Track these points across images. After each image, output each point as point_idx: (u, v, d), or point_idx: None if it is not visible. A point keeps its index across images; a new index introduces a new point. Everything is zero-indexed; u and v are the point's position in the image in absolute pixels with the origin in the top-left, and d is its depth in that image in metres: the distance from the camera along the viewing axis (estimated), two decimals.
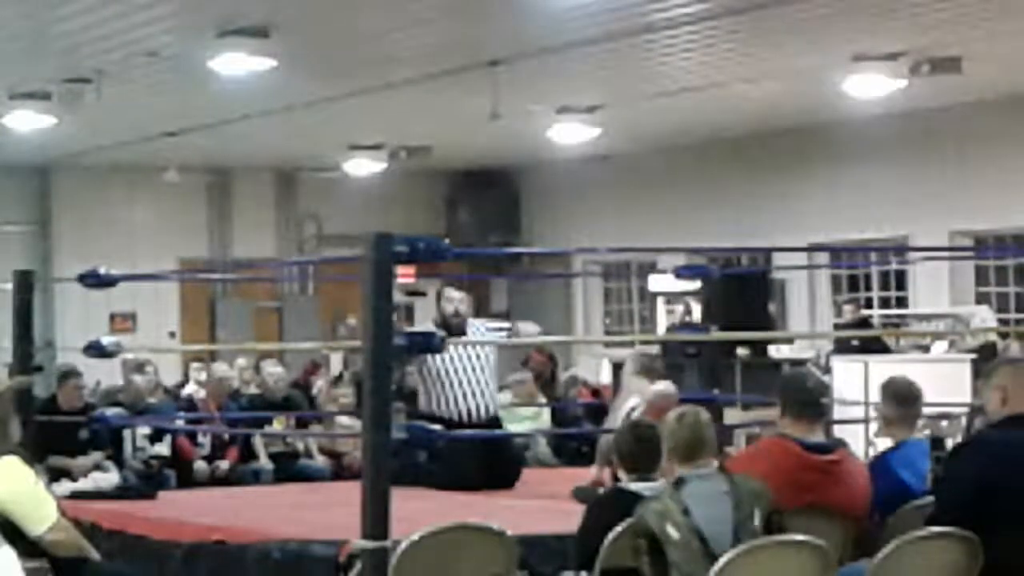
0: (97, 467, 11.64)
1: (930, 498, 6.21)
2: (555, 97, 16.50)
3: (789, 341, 18.74)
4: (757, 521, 5.75)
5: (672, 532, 5.71)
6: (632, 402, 9.92)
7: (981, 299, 17.86)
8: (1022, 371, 6.31)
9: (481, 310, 23.52)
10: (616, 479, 6.62)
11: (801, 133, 18.79)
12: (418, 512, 7.33)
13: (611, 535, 6.11)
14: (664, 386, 9.71)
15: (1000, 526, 5.80)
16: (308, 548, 7.41)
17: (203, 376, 14.45)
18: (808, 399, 6.43)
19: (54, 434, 10.84)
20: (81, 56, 13.49)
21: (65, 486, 10.72)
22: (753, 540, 5.65)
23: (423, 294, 22.16)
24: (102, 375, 15.64)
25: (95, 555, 6.46)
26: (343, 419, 13.48)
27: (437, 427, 9.41)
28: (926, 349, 15.70)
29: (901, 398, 6.95)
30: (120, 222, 21.40)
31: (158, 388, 14.35)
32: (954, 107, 17.00)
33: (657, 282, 19.64)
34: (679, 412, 6.11)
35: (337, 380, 14.96)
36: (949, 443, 7.05)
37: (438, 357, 10.18)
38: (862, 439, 11.33)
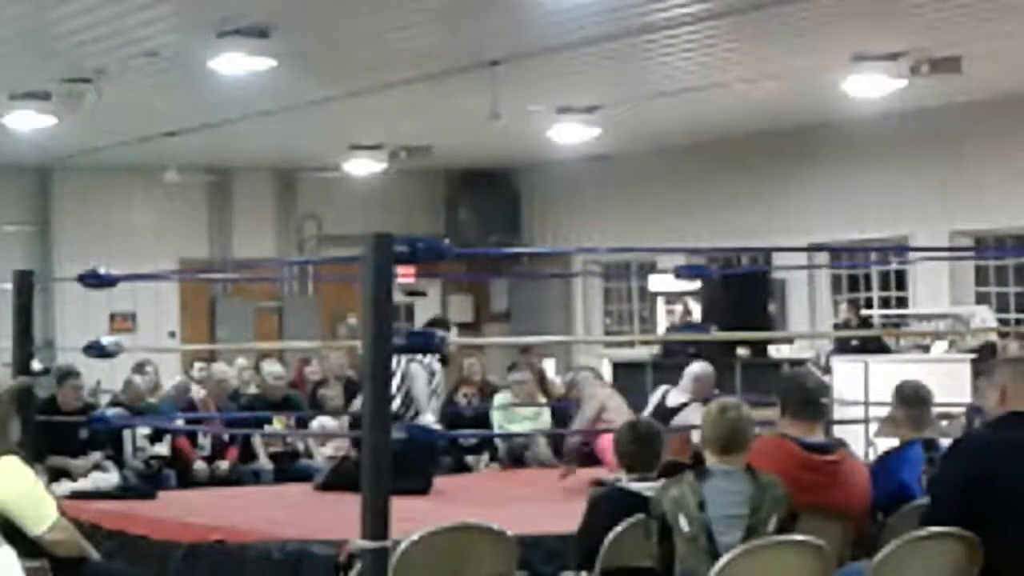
0: (97, 467, 11.65)
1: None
2: (555, 97, 16.48)
3: (789, 341, 18.74)
4: (771, 527, 5.74)
5: (683, 524, 5.71)
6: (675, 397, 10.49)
7: (981, 299, 17.84)
8: (1020, 369, 6.31)
9: (481, 310, 23.60)
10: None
11: (801, 133, 18.77)
12: (418, 511, 7.34)
13: (612, 535, 6.11)
14: (702, 366, 10.64)
15: (993, 524, 5.78)
16: (308, 548, 7.43)
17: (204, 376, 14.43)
18: (808, 399, 6.44)
19: (54, 434, 10.85)
20: (81, 56, 13.47)
21: (65, 486, 10.73)
22: (755, 540, 5.66)
23: (423, 294, 22.16)
24: (102, 375, 15.64)
25: (95, 555, 6.47)
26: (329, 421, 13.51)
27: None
28: (926, 349, 15.70)
29: (908, 400, 6.98)
30: (120, 222, 21.37)
31: (158, 387, 14.35)
32: (954, 107, 16.98)
33: (657, 282, 19.63)
34: (723, 404, 6.04)
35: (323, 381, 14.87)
36: (946, 444, 7.06)
37: (422, 379, 10.38)
38: (862, 439, 11.35)
